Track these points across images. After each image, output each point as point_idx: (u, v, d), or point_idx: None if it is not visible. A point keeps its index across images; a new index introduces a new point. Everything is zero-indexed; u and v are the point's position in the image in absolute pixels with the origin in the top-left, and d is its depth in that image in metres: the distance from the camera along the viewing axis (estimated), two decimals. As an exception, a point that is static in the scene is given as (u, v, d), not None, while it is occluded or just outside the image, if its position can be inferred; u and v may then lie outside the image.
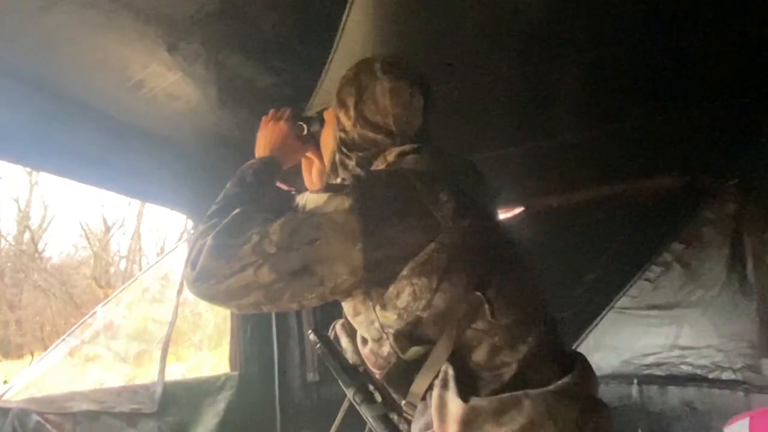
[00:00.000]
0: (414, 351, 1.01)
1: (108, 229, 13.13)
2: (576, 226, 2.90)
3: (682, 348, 2.83)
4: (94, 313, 2.12)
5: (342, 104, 1.26)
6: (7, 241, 12.12)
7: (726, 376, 2.64)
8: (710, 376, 2.71)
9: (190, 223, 2.27)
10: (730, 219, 2.70)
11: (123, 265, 13.46)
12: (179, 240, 2.34)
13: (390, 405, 1.10)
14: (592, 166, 2.58)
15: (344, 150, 1.25)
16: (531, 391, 0.93)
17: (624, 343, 3.05)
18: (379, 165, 1.21)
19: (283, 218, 1.03)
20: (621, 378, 2.97)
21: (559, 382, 0.96)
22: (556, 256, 2.87)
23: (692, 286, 2.83)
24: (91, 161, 1.89)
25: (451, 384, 0.95)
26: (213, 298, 1.06)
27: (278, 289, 1.01)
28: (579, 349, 3.19)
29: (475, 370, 0.98)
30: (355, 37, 1.56)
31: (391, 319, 1.02)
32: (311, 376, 2.51)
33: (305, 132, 1.44)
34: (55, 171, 1.97)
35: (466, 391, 0.94)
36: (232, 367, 2.39)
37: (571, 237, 2.96)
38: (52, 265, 12.59)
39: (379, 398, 1.12)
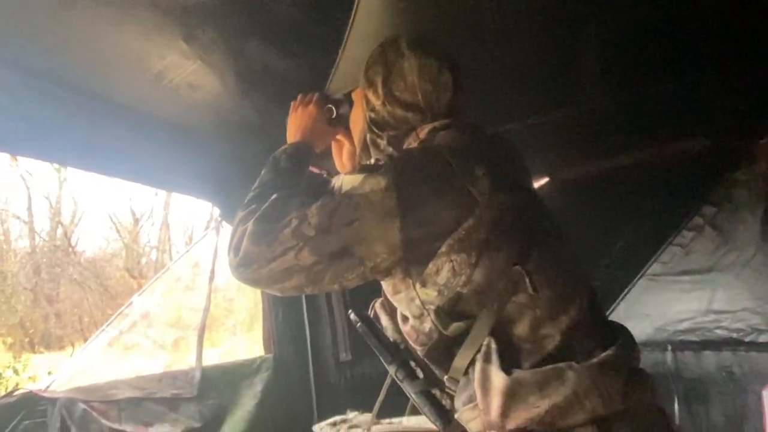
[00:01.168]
0: (455, 326, 1.01)
1: (137, 221, 13.39)
2: (604, 193, 2.85)
3: (717, 312, 2.78)
4: (131, 303, 2.17)
5: (370, 84, 1.25)
6: (41, 237, 12.45)
7: (763, 338, 2.59)
8: (746, 339, 2.66)
9: (216, 211, 2.30)
10: (761, 178, 2.63)
11: (154, 255, 13.74)
12: (206, 228, 2.39)
13: (432, 381, 1.10)
14: (617, 133, 2.52)
15: (375, 130, 1.25)
16: (575, 364, 0.92)
17: (657, 310, 3.00)
18: (411, 143, 1.20)
19: (320, 201, 1.04)
20: (655, 345, 2.92)
21: (603, 354, 0.95)
22: (585, 225, 2.82)
23: (725, 249, 2.77)
24: (116, 155, 1.93)
25: (494, 357, 0.95)
26: (256, 282, 1.08)
27: (319, 270, 1.03)
28: (611, 318, 3.16)
29: (517, 343, 0.97)
30: (369, 16, 1.54)
31: (431, 295, 1.03)
32: (344, 356, 2.54)
33: (334, 114, 1.44)
34: (81, 166, 2.02)
35: (508, 364, 0.94)
36: (267, 349, 2.44)
37: (599, 205, 2.91)
38: (86, 258, 12.91)
39: (421, 374, 1.12)
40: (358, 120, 1.32)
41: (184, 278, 2.19)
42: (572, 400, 0.90)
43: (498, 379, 0.93)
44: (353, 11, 1.50)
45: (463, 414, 1.01)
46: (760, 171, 2.63)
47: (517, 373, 0.92)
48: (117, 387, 1.92)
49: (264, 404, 2.26)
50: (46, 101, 1.68)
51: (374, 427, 1.25)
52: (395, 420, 1.51)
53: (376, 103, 1.24)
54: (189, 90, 1.79)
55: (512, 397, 0.91)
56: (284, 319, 2.44)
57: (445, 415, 1.07)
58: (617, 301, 3.15)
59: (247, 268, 1.05)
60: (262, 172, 1.26)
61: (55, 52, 1.56)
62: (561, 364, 0.92)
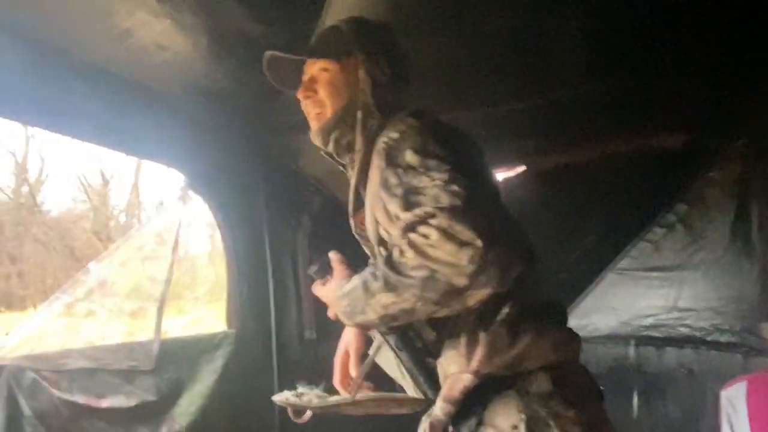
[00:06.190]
0: None
1: (106, 182, 13.07)
2: (577, 184, 2.84)
3: (682, 310, 2.81)
4: (87, 270, 2.09)
5: (375, 61, 1.27)
6: (5, 194, 12.08)
7: (725, 338, 2.63)
8: (709, 338, 2.69)
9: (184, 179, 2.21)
10: (736, 180, 2.63)
11: (123, 218, 13.45)
12: (177, 196, 2.29)
13: (429, 350, 1.18)
14: (594, 123, 2.50)
15: (374, 110, 1.24)
16: (532, 322, 1.10)
17: (623, 304, 3.04)
18: (397, 124, 1.16)
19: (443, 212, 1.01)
20: (618, 339, 2.97)
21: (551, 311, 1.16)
22: (557, 215, 2.83)
23: (695, 248, 2.79)
24: (80, 115, 1.82)
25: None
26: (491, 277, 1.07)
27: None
28: (577, 310, 3.20)
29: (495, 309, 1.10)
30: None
31: None
32: (309, 334, 2.51)
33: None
34: (43, 125, 1.90)
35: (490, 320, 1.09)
36: (229, 325, 2.38)
37: (572, 196, 2.91)
38: (52, 218, 12.58)
39: (419, 344, 1.19)
40: (341, 89, 1.27)
41: (146, 247, 2.11)
42: (534, 343, 1.08)
43: (482, 334, 1.08)
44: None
45: (447, 357, 1.12)
46: (735, 172, 2.64)
47: (494, 327, 1.08)
48: (70, 356, 1.84)
49: (224, 380, 2.21)
50: (6, 55, 1.57)
51: (358, 395, 1.26)
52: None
53: (382, 78, 1.26)
54: (157, 50, 1.70)
55: (492, 347, 1.07)
56: (249, 295, 2.38)
57: (436, 383, 1.15)
58: (585, 292, 3.18)
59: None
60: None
61: (15, 5, 1.47)
62: (524, 325, 1.09)
